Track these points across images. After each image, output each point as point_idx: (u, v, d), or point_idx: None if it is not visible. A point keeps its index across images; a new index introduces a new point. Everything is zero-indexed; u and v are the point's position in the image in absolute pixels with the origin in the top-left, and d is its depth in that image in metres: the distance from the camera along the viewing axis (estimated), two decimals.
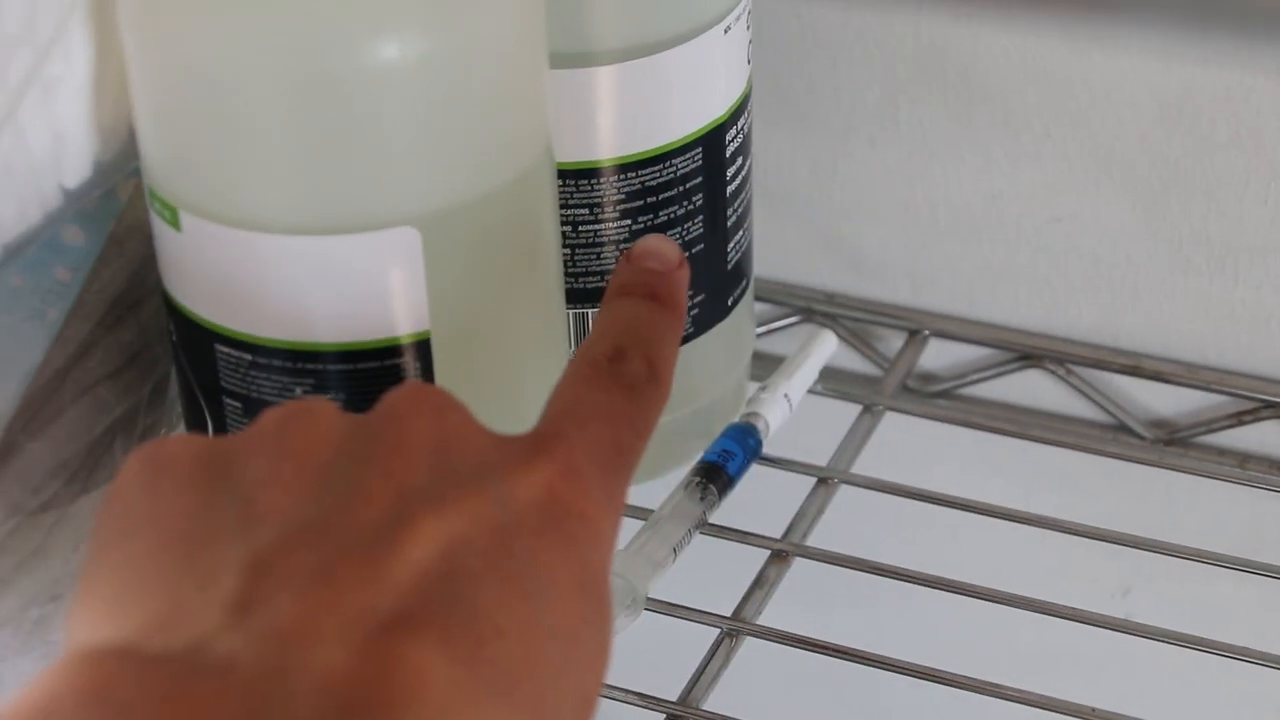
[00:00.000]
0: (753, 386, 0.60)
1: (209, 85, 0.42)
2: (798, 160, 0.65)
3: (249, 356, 0.45)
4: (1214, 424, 0.63)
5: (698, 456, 0.58)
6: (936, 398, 0.66)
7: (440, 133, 0.43)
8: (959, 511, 0.59)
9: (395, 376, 0.44)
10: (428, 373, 0.44)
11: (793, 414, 0.60)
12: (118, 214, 0.49)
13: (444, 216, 0.43)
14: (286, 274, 0.43)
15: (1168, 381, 0.63)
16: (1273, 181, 0.59)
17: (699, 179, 0.53)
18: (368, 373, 0.44)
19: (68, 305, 0.47)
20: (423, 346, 0.44)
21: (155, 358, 0.50)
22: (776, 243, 0.66)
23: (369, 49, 0.41)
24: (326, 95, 0.41)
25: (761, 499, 0.58)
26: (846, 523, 0.60)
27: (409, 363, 0.44)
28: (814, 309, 0.67)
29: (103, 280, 0.49)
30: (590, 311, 0.54)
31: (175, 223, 0.44)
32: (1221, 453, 0.64)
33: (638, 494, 0.57)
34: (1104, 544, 0.58)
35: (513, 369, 0.47)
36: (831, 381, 0.63)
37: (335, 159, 0.42)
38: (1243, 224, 0.60)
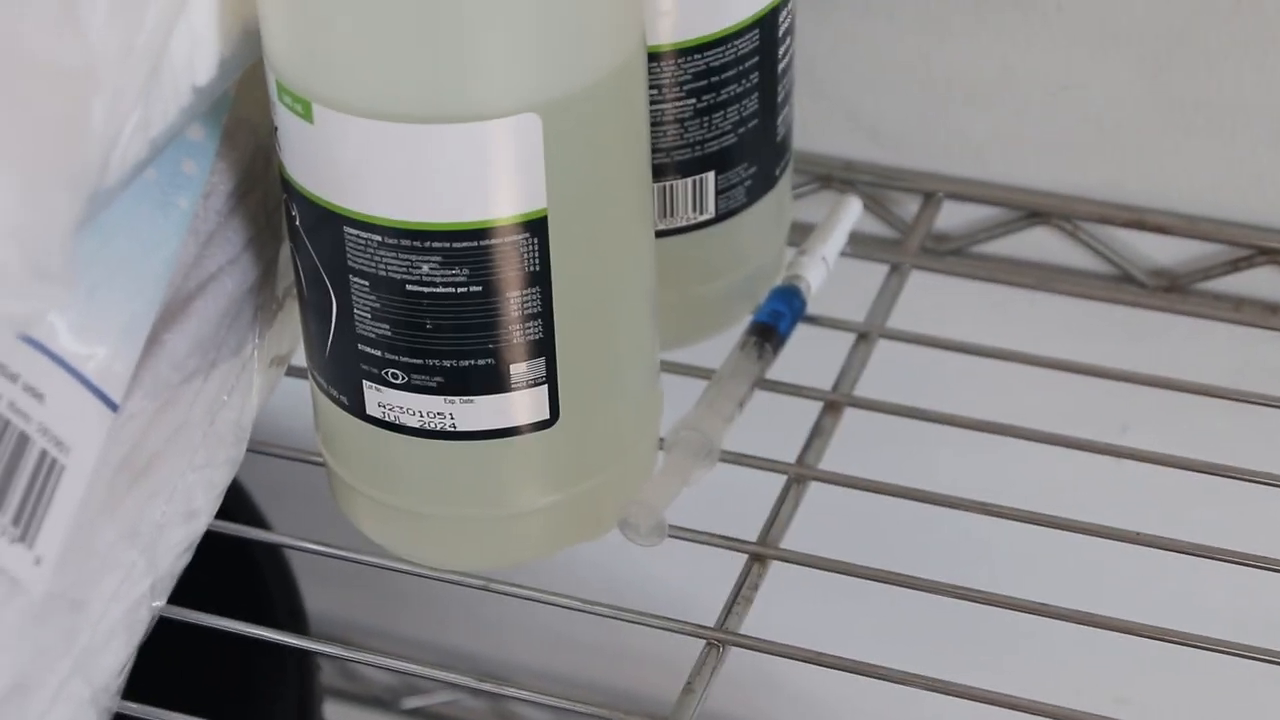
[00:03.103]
0: (789, 252, 0.65)
1: None
2: (820, 35, 0.69)
3: (378, 238, 0.48)
4: (1211, 271, 0.68)
5: (743, 318, 0.63)
6: (949, 255, 0.71)
7: (561, 24, 0.46)
8: (979, 359, 0.64)
9: (515, 251, 0.48)
10: (544, 247, 0.48)
11: (829, 275, 0.64)
12: (228, 109, 0.53)
13: (562, 102, 0.47)
14: (418, 159, 0.47)
15: (1169, 233, 0.68)
16: (1272, 46, 0.64)
17: (756, 58, 0.57)
18: (489, 249, 0.48)
19: (196, 195, 0.51)
20: (540, 224, 0.48)
21: (264, 242, 0.54)
22: (798, 114, 0.70)
23: None
24: None
25: (801, 355, 0.63)
26: (883, 374, 0.64)
27: (528, 238, 0.48)
28: (833, 176, 0.71)
29: (220, 172, 0.52)
30: (656, 185, 0.57)
31: (308, 115, 0.48)
32: (1217, 298, 0.69)
33: (695, 354, 0.62)
34: (1107, 385, 0.63)
35: (614, 240, 0.51)
36: (852, 244, 0.67)
37: (467, 49, 0.46)
38: (1241, 88, 0.65)
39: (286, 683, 0.74)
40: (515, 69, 0.46)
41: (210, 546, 0.59)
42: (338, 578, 0.89)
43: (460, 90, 0.46)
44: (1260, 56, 0.64)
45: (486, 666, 0.93)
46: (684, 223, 0.59)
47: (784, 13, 0.58)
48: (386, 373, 0.51)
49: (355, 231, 0.49)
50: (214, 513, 0.53)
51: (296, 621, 0.77)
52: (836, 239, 0.65)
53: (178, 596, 0.55)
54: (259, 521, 0.79)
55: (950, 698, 0.52)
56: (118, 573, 0.48)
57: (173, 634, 0.57)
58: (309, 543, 0.57)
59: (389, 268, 0.49)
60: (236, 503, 0.79)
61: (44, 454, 0.46)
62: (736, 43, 0.56)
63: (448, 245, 0.48)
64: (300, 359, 0.55)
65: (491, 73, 0.46)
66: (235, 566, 0.76)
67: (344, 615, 0.93)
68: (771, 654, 0.53)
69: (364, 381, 0.51)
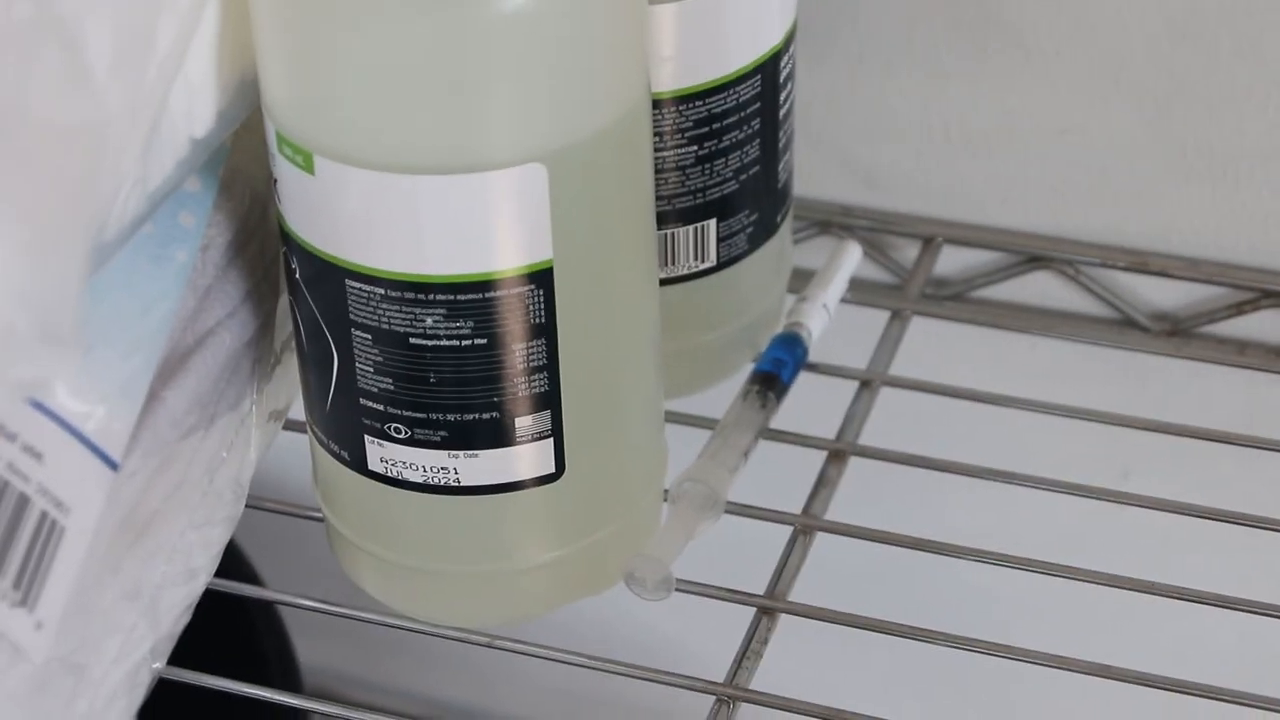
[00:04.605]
0: (789, 299, 0.64)
1: (350, 33, 0.45)
2: (816, 80, 0.68)
3: (381, 290, 0.47)
4: (1215, 314, 0.68)
5: (744, 367, 0.62)
6: (949, 301, 0.70)
7: (566, 73, 0.46)
8: (981, 404, 0.63)
9: (521, 303, 0.47)
10: (549, 298, 0.48)
11: (830, 321, 0.63)
12: (224, 160, 0.52)
13: (567, 152, 0.46)
14: (422, 211, 0.46)
15: (1171, 277, 0.67)
16: (1273, 91, 0.63)
17: (757, 104, 0.57)
18: (494, 301, 0.47)
19: (194, 248, 0.50)
20: (545, 275, 0.47)
21: (262, 295, 0.53)
22: (795, 161, 0.69)
23: None
24: (463, 41, 0.44)
25: (804, 403, 0.62)
26: (885, 421, 0.64)
27: (533, 290, 0.47)
28: (831, 222, 0.71)
29: (217, 224, 0.51)
30: (660, 232, 0.57)
31: (309, 167, 0.47)
32: (1221, 341, 0.68)
33: (696, 404, 0.61)
34: (1109, 429, 0.63)
35: (620, 289, 0.50)
36: (851, 290, 0.66)
37: (471, 100, 0.45)
38: (1242, 131, 0.64)
39: None
40: (520, 119, 0.46)
41: (202, 599, 0.58)
42: (331, 630, 0.88)
43: (465, 141, 0.46)
44: (1262, 100, 0.64)
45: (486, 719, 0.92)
46: (685, 271, 0.58)
47: (785, 58, 0.57)
48: (389, 427, 0.50)
49: (357, 284, 0.48)
50: (213, 571, 0.52)
51: (289, 675, 0.76)
52: (837, 285, 0.64)
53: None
54: (251, 574, 0.78)
55: None
56: (118, 636, 0.47)
57: (161, 686, 0.56)
58: (304, 598, 0.56)
59: (392, 321, 0.48)
60: (228, 555, 0.78)
61: (44, 515, 0.45)
62: (738, 89, 0.56)
63: (452, 298, 0.47)
64: (295, 412, 0.55)
65: (496, 123, 0.45)
66: (228, 620, 0.75)
67: (337, 667, 0.92)
68: (783, 709, 0.52)
69: (366, 436, 0.50)
